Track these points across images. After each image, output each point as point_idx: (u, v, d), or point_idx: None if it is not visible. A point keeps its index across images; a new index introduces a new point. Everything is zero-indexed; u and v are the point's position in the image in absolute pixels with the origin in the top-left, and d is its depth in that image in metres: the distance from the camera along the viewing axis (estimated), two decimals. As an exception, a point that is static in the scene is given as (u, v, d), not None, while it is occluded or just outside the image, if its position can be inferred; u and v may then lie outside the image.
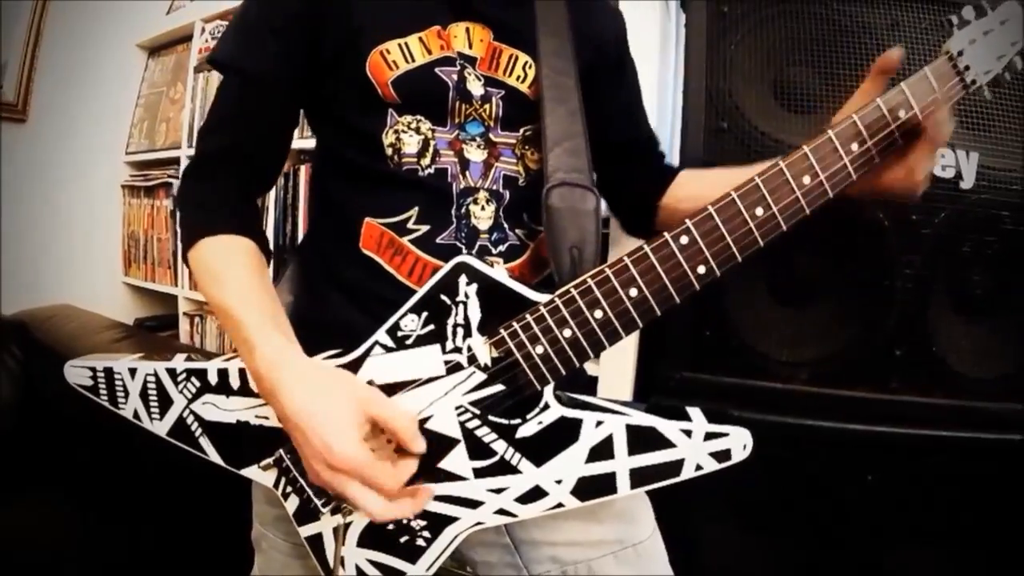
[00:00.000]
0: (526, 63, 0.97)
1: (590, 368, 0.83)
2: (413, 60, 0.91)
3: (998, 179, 1.24)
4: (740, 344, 1.32)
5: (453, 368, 0.84)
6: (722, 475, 0.85)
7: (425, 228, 0.91)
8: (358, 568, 0.89)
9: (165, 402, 0.92)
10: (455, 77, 0.92)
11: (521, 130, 0.97)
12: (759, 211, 0.82)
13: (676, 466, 0.84)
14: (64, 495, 1.80)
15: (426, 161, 0.92)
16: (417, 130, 0.92)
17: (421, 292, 0.84)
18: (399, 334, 0.84)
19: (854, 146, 0.83)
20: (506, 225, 0.95)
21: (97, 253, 2.84)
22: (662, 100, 1.53)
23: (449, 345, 0.84)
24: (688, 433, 0.84)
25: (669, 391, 1.33)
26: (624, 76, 1.14)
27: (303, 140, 2.06)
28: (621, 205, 1.19)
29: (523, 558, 0.96)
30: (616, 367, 1.45)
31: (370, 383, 0.85)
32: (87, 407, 0.95)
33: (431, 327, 0.84)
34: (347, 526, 0.88)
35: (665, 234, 0.82)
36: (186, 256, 0.92)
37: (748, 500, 1.31)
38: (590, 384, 1.41)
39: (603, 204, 1.24)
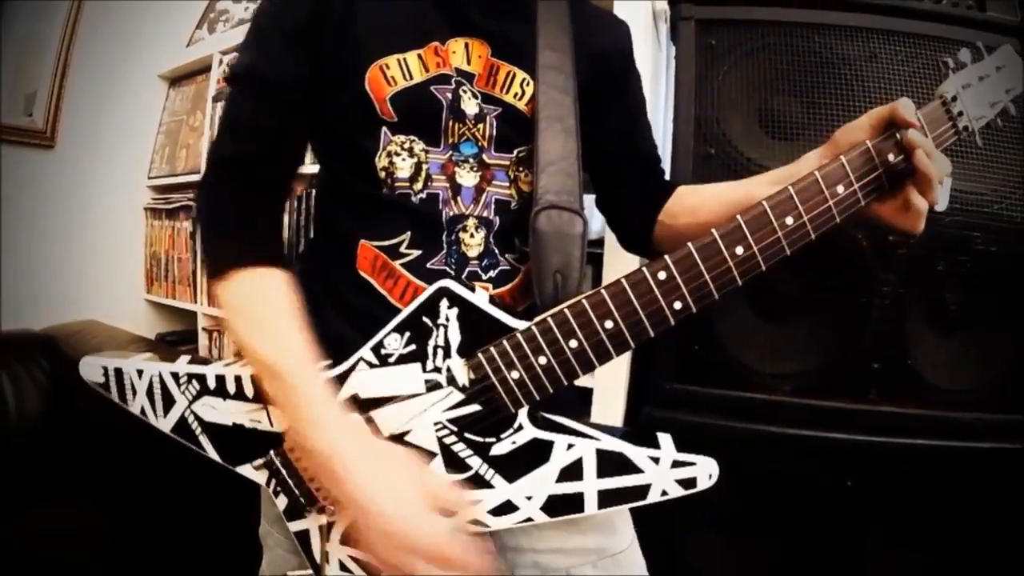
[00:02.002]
0: (524, 80, 0.93)
1: (585, 380, 0.84)
2: (411, 78, 0.87)
3: (970, 202, 1.25)
4: (726, 358, 1.34)
5: (433, 387, 0.83)
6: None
7: (417, 253, 0.89)
8: (341, 563, 0.90)
9: (168, 401, 0.93)
10: (449, 95, 0.89)
11: (515, 151, 0.94)
12: (739, 250, 0.80)
13: (642, 490, 0.84)
14: (88, 501, 1.83)
15: (418, 186, 0.89)
16: (410, 151, 0.89)
17: (404, 313, 0.83)
18: (383, 352, 0.84)
19: (840, 188, 0.81)
20: (496, 251, 0.93)
21: (121, 272, 2.88)
22: (653, 127, 1.54)
23: (429, 365, 0.83)
24: (656, 460, 0.84)
25: (659, 402, 1.34)
26: (628, 89, 1.10)
27: (315, 165, 2.07)
28: (618, 220, 1.14)
29: (508, 563, 0.95)
30: (609, 378, 1.44)
31: (354, 397, 0.84)
32: (111, 417, 0.96)
33: (413, 347, 0.83)
34: (330, 525, 0.89)
35: (643, 269, 0.80)
36: (212, 283, 0.87)
37: (731, 507, 1.31)
38: (584, 396, 1.42)
39: (593, 225, 1.24)
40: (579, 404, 0.99)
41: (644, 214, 1.08)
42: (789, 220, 0.81)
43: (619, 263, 1.35)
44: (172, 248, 2.78)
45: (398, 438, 0.85)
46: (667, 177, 1.18)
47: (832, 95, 1.26)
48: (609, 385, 1.46)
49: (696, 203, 1.02)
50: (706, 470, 0.84)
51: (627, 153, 1.10)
